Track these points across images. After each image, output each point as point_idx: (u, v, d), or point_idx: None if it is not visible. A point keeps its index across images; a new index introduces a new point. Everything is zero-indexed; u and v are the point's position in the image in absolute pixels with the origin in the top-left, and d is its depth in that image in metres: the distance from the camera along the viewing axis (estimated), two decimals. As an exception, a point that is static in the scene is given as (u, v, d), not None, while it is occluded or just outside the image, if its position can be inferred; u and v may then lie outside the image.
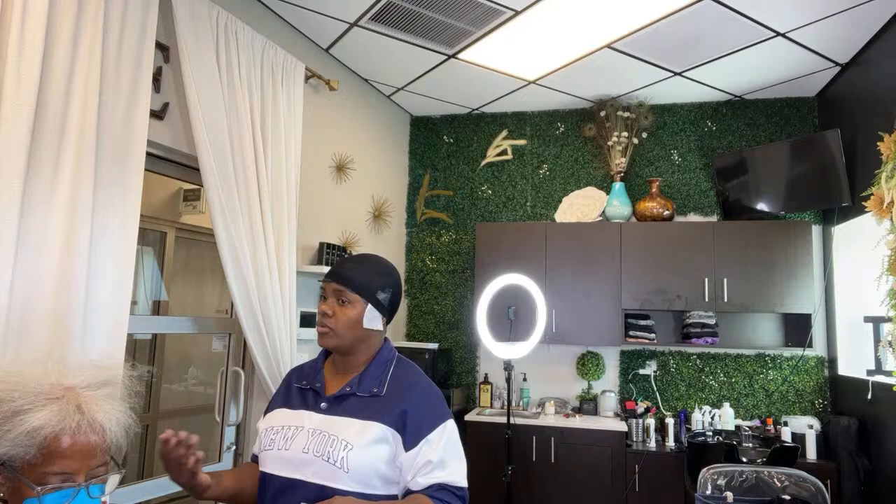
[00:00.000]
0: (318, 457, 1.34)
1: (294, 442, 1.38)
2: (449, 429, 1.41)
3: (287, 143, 2.98)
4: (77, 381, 1.12)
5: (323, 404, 1.43)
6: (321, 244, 3.46)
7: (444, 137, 4.88)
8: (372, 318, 1.46)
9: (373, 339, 1.49)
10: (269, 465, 1.40)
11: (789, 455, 3.12)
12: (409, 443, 1.36)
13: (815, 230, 4.09)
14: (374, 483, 1.35)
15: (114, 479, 1.12)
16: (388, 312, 1.51)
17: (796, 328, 4.00)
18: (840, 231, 3.84)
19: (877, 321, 3.26)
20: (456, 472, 1.38)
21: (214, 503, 1.72)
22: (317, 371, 1.51)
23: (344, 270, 1.46)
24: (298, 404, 1.47)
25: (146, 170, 2.21)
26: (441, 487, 1.35)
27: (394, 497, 1.37)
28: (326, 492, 1.31)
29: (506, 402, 4.31)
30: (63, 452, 1.05)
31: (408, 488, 1.36)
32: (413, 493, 1.35)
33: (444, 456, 1.37)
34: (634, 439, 3.91)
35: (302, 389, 1.49)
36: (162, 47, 2.46)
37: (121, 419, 1.13)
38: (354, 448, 1.33)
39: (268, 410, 1.54)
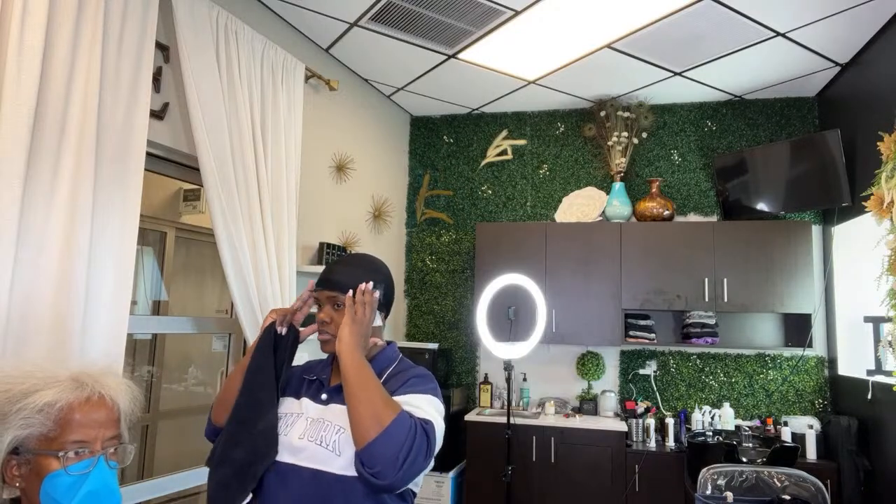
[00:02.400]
0: (312, 441, 1.36)
1: (293, 428, 1.41)
2: (431, 397, 1.38)
3: (287, 143, 2.98)
4: (77, 366, 1.19)
5: (323, 395, 1.45)
6: (321, 244, 3.46)
7: (444, 137, 4.88)
8: None
9: (373, 335, 1.50)
10: None
11: (789, 455, 3.12)
12: None
13: (815, 230, 4.09)
14: None
15: (128, 450, 1.18)
16: (384, 307, 1.52)
17: (796, 328, 4.00)
18: (840, 231, 3.84)
19: (877, 321, 3.26)
20: (428, 414, 1.33)
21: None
22: (326, 364, 1.54)
23: (333, 276, 1.46)
24: (303, 393, 1.50)
25: (146, 170, 2.21)
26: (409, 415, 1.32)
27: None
28: (321, 476, 1.32)
29: (506, 402, 4.32)
30: (79, 421, 1.10)
31: None
32: None
33: (420, 405, 1.33)
34: (634, 439, 3.91)
35: (310, 380, 1.52)
36: (162, 47, 2.46)
37: (126, 390, 1.19)
38: (346, 431, 1.34)
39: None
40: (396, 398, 1.33)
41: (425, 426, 1.30)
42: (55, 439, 1.07)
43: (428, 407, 1.35)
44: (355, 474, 1.32)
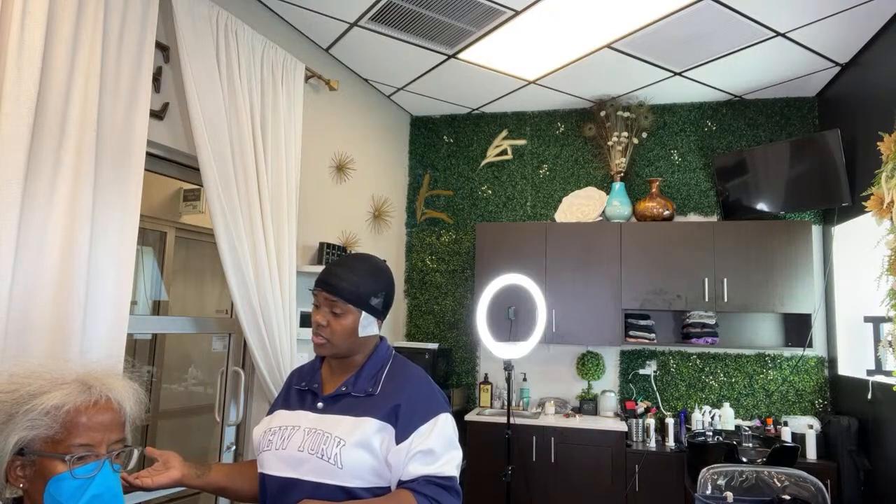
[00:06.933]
0: (313, 454, 1.35)
1: (290, 441, 1.39)
2: (441, 422, 1.38)
3: (287, 142, 2.98)
4: (82, 367, 1.19)
5: (319, 404, 1.44)
6: (321, 244, 3.45)
7: (444, 137, 4.88)
8: (367, 325, 1.46)
9: (368, 341, 1.50)
10: (267, 466, 1.41)
11: (789, 455, 3.12)
12: (401, 436, 1.35)
13: (815, 230, 4.09)
14: (369, 478, 1.35)
15: (133, 454, 1.19)
16: (382, 315, 1.50)
17: (796, 328, 4.00)
18: (840, 231, 3.84)
19: (877, 321, 3.26)
20: (445, 464, 1.35)
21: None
22: (314, 372, 1.52)
23: (333, 279, 1.43)
24: (296, 405, 1.48)
25: (146, 170, 2.21)
26: (428, 481, 1.32)
27: (387, 491, 1.37)
28: (323, 489, 1.32)
29: (506, 402, 4.31)
30: (86, 424, 1.10)
31: (399, 480, 1.36)
32: (398, 489, 1.34)
33: (434, 447, 1.34)
34: (634, 439, 3.91)
35: (301, 390, 1.51)
36: (162, 47, 2.46)
37: (132, 393, 1.19)
38: (347, 444, 1.33)
39: (269, 413, 1.56)
40: (418, 466, 1.32)
41: (445, 488, 1.32)
42: (61, 442, 1.07)
43: (443, 446, 1.36)
44: (358, 485, 1.32)
